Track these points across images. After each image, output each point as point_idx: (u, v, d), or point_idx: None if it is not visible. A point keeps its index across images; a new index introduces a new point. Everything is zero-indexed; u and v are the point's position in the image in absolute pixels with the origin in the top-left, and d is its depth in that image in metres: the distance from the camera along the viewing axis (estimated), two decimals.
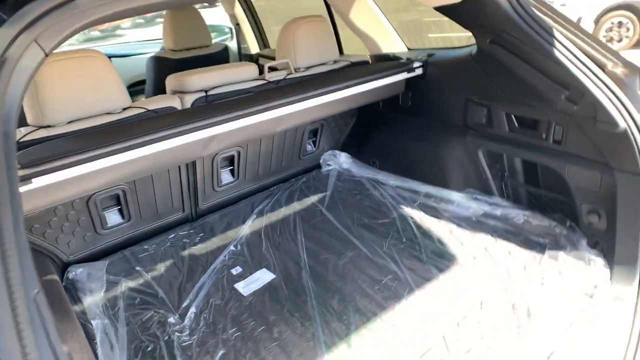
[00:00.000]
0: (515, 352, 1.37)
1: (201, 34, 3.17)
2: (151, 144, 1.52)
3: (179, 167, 1.99)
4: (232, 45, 4.08)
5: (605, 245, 1.71)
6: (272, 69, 2.06)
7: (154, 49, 4.29)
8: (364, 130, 2.69)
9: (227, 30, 4.62)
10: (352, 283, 1.73)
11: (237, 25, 3.88)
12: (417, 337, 1.46)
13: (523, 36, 1.68)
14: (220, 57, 3.18)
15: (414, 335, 1.46)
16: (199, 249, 2.01)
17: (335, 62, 2.30)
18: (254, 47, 3.90)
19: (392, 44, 2.52)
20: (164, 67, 2.91)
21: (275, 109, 1.81)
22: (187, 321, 1.59)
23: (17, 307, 0.58)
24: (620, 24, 7.26)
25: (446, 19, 1.87)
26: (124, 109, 1.68)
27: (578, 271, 1.66)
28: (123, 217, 1.95)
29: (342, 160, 2.63)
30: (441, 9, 1.83)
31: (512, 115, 1.91)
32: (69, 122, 1.57)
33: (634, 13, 7.63)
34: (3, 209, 0.65)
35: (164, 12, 3.08)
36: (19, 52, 0.85)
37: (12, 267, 0.61)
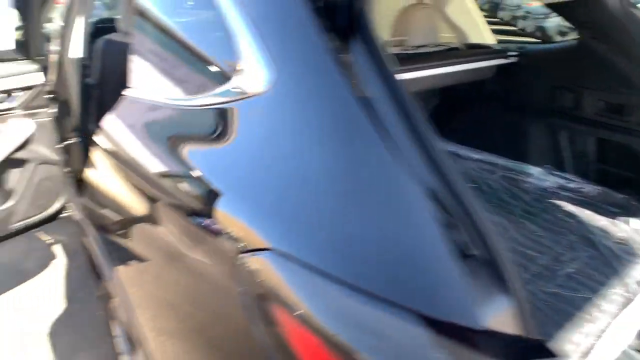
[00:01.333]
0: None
1: None
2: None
3: None
4: None
5: None
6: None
7: None
8: (447, 110, 3.00)
9: None
10: None
11: None
12: None
13: (624, 33, 2.01)
14: None
15: None
16: None
17: (437, 45, 2.62)
18: None
19: (480, 36, 2.85)
20: None
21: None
22: None
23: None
24: None
25: None
26: None
27: None
28: None
29: None
30: (552, 5, 2.17)
31: (603, 101, 2.24)
32: None
33: None
34: None
35: None
36: None
37: None
